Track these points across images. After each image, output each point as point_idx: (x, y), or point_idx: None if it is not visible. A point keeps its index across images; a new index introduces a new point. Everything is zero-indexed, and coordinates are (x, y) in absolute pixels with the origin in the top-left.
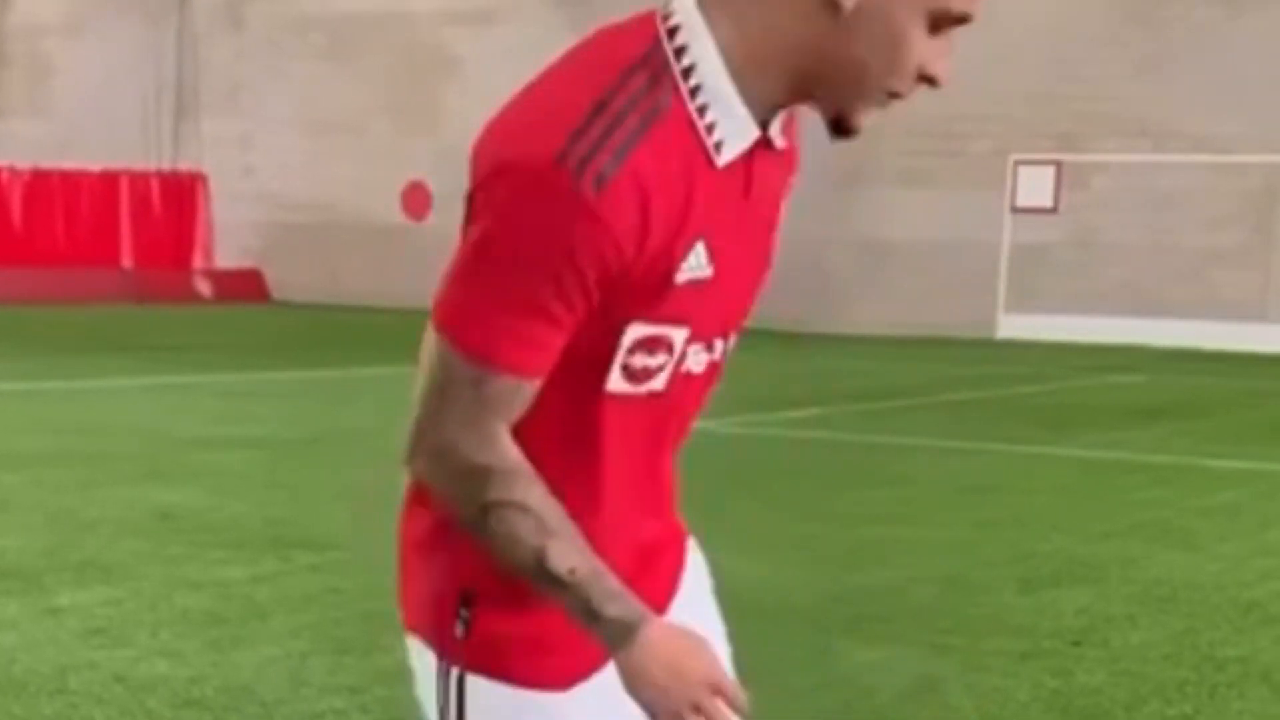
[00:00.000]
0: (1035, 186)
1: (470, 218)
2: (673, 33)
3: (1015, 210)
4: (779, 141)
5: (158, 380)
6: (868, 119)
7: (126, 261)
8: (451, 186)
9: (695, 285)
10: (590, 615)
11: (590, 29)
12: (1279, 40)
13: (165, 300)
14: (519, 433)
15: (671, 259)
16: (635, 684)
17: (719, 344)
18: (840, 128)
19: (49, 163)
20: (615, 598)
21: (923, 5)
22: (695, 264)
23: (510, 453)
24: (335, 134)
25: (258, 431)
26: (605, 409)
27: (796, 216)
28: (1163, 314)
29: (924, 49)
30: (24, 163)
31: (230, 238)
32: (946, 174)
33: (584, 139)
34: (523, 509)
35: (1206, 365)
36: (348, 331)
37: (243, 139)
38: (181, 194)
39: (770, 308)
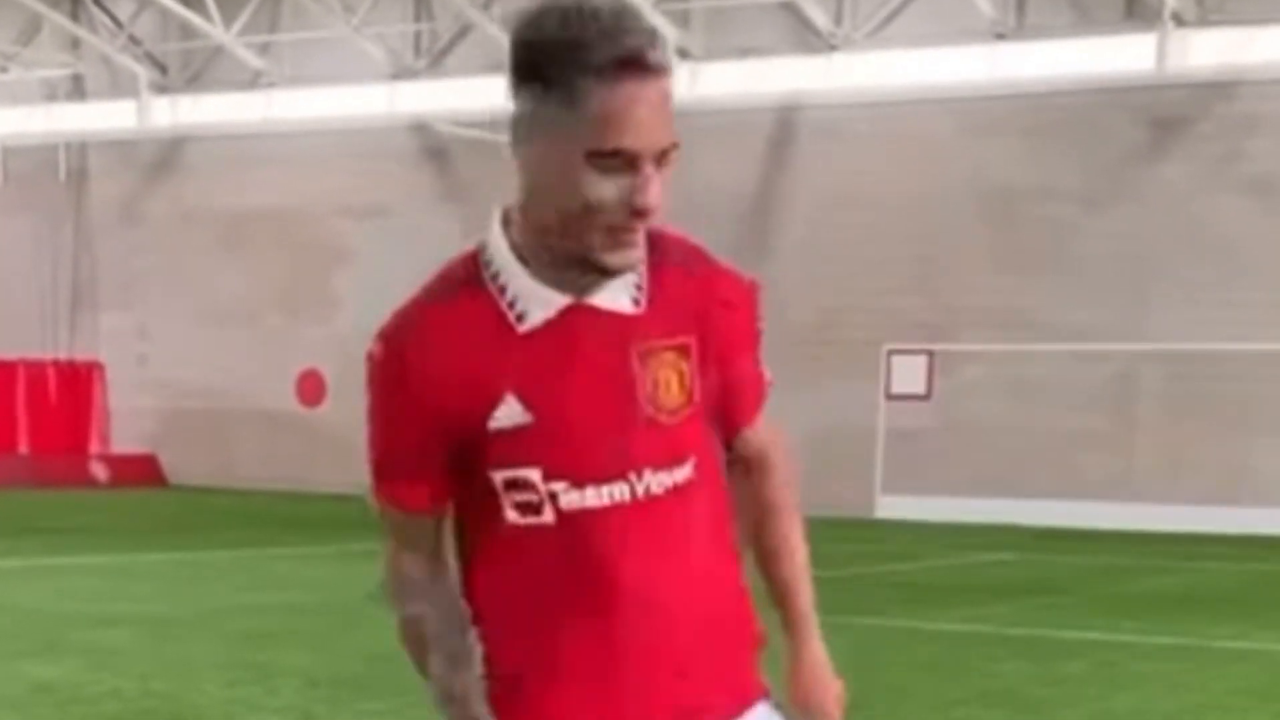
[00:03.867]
0: (908, 374)
1: None
2: (484, 247)
3: (890, 397)
4: (613, 304)
5: (46, 562)
6: (617, 257)
7: (23, 447)
8: (345, 374)
9: (517, 431)
10: None
11: (477, 221)
12: (1131, 237)
13: (62, 485)
14: (474, 580)
15: (479, 410)
16: None
17: (620, 483)
18: (595, 269)
19: None
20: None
21: (577, 153)
22: (508, 413)
23: (413, 573)
24: (230, 324)
25: (140, 609)
26: (515, 542)
27: None
28: (1031, 495)
29: (603, 187)
30: None
31: (126, 424)
32: (824, 363)
33: (398, 318)
34: (416, 621)
35: (1071, 544)
36: (237, 514)
37: (138, 329)
38: (78, 382)
39: None
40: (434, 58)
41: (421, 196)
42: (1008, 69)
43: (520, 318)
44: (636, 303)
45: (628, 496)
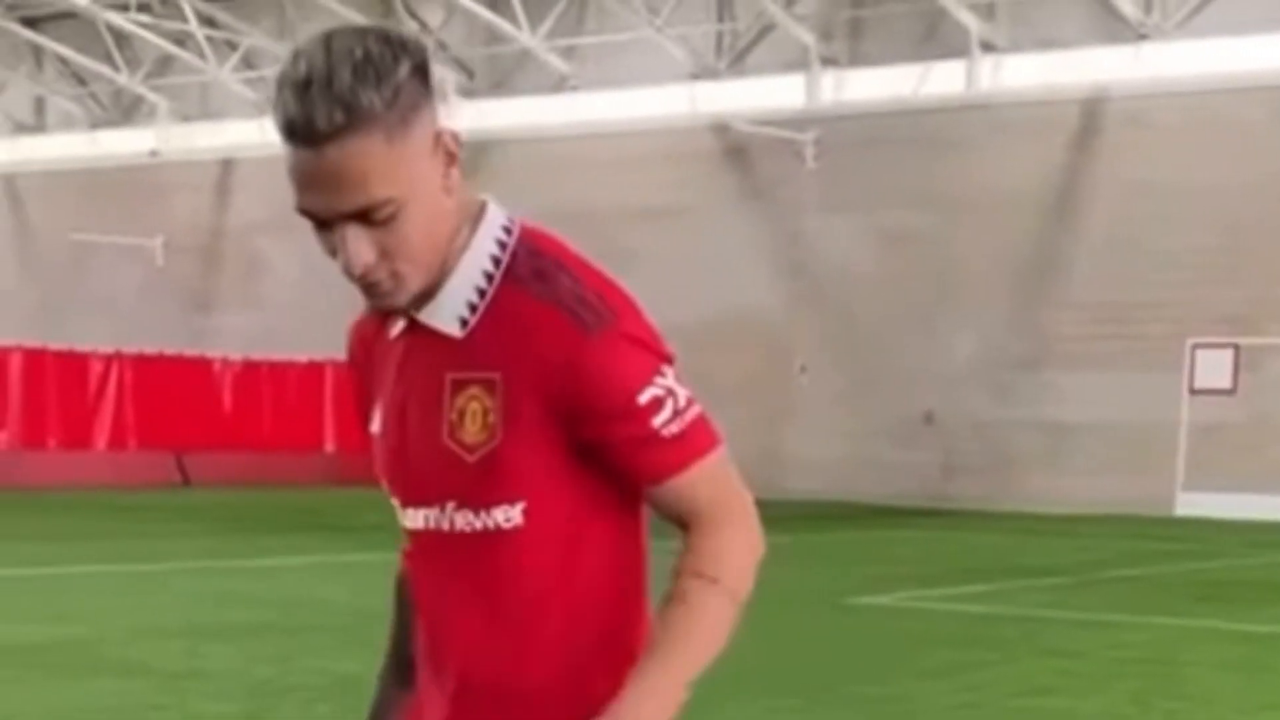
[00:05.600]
0: (1213, 368)
1: None
2: None
3: (1194, 391)
4: (441, 324)
5: (346, 558)
6: (377, 304)
7: (329, 446)
8: None
9: (376, 439)
10: None
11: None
12: None
13: (365, 483)
14: None
15: (368, 410)
16: None
17: (434, 509)
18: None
19: (258, 353)
20: None
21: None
22: (375, 420)
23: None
24: None
25: None
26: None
27: (979, 399)
28: None
29: (322, 240)
30: (235, 354)
31: None
32: (1127, 357)
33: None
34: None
35: None
36: None
37: None
38: None
39: (951, 486)
40: (735, 56)
41: (722, 196)
42: None
43: (390, 329)
44: (464, 324)
45: (435, 525)
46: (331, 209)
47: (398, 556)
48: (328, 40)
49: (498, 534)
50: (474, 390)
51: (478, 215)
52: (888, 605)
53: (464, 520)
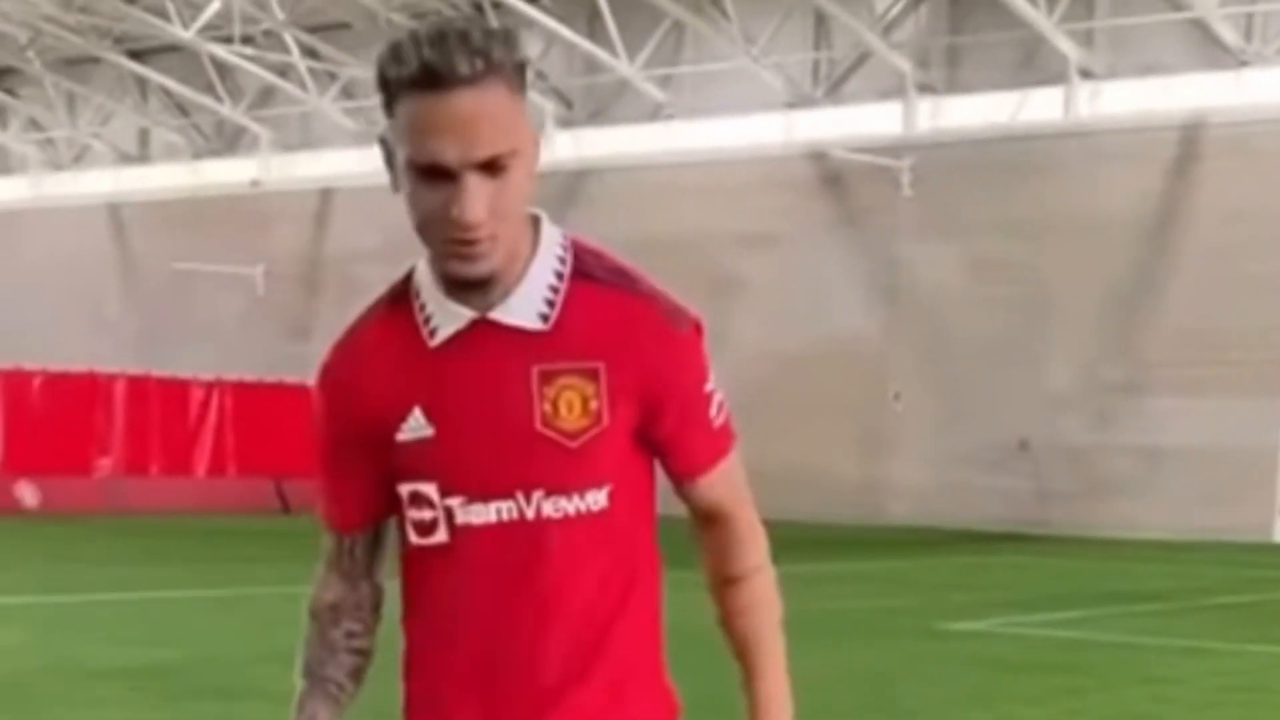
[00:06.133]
0: None
1: None
2: (416, 267)
3: None
4: (518, 320)
5: None
6: (461, 267)
7: None
8: (739, 399)
9: (420, 444)
10: None
11: (872, 247)
12: None
13: None
14: (403, 602)
15: (391, 422)
16: None
17: (508, 501)
18: (452, 280)
19: None
20: None
21: (408, 169)
22: (414, 425)
23: (321, 598)
24: None
25: None
26: (420, 563)
27: (1075, 424)
28: None
29: (429, 199)
30: None
31: None
32: (1224, 381)
33: (338, 338)
34: (304, 641)
35: None
36: None
37: None
38: None
39: (1046, 512)
40: (832, 85)
41: (818, 224)
42: None
43: (433, 333)
44: (545, 319)
45: (512, 517)
46: (463, 155)
47: (318, 585)
48: (446, 19)
49: (588, 517)
50: (569, 379)
51: (536, 222)
52: (984, 630)
53: (552, 507)
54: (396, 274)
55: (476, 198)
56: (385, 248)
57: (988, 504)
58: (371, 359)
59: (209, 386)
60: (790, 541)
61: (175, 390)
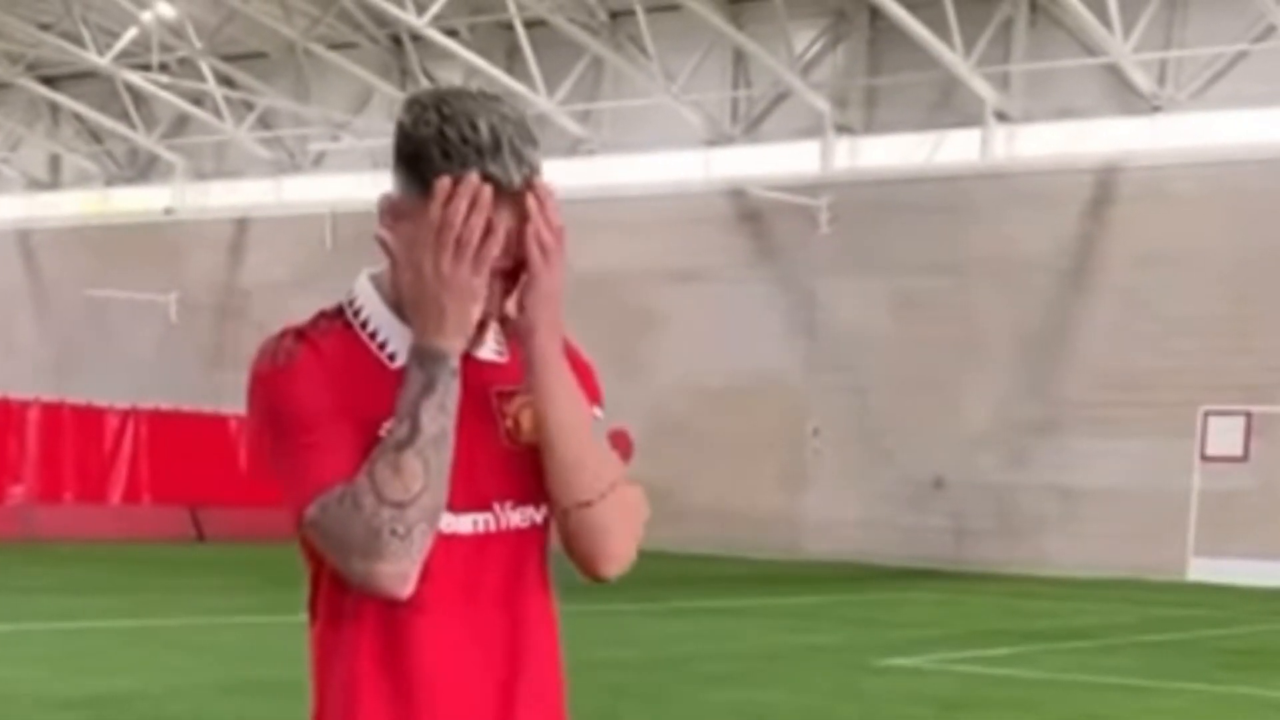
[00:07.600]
0: (1225, 436)
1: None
2: (353, 299)
3: (1205, 458)
4: (476, 353)
5: None
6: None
7: None
8: (655, 433)
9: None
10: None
11: (790, 284)
12: None
13: None
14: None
15: (371, 417)
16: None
17: (465, 517)
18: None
19: None
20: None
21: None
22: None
23: (373, 477)
24: None
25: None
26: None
27: (992, 463)
28: None
29: (483, 286)
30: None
31: None
32: (1139, 423)
33: (283, 338)
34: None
35: None
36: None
37: None
38: None
39: (963, 550)
40: (750, 123)
41: (738, 260)
42: None
43: (391, 357)
44: (500, 354)
45: (493, 527)
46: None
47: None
48: (484, 103)
49: (534, 531)
50: (525, 399)
51: None
52: (918, 667)
53: (520, 516)
54: (311, 304)
55: (493, 296)
56: (300, 277)
57: (905, 541)
58: (335, 364)
59: (124, 414)
60: (710, 576)
61: (90, 418)
